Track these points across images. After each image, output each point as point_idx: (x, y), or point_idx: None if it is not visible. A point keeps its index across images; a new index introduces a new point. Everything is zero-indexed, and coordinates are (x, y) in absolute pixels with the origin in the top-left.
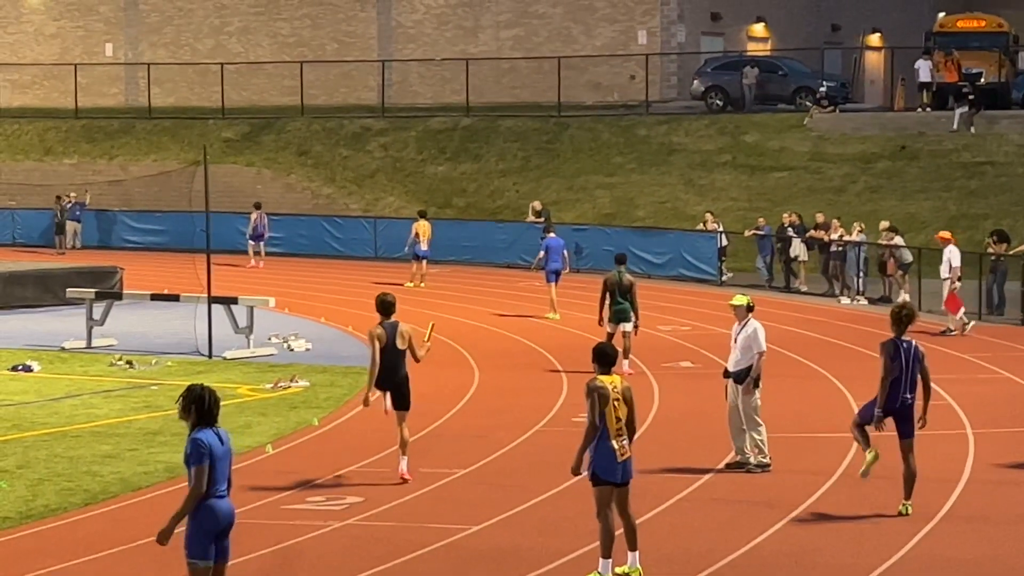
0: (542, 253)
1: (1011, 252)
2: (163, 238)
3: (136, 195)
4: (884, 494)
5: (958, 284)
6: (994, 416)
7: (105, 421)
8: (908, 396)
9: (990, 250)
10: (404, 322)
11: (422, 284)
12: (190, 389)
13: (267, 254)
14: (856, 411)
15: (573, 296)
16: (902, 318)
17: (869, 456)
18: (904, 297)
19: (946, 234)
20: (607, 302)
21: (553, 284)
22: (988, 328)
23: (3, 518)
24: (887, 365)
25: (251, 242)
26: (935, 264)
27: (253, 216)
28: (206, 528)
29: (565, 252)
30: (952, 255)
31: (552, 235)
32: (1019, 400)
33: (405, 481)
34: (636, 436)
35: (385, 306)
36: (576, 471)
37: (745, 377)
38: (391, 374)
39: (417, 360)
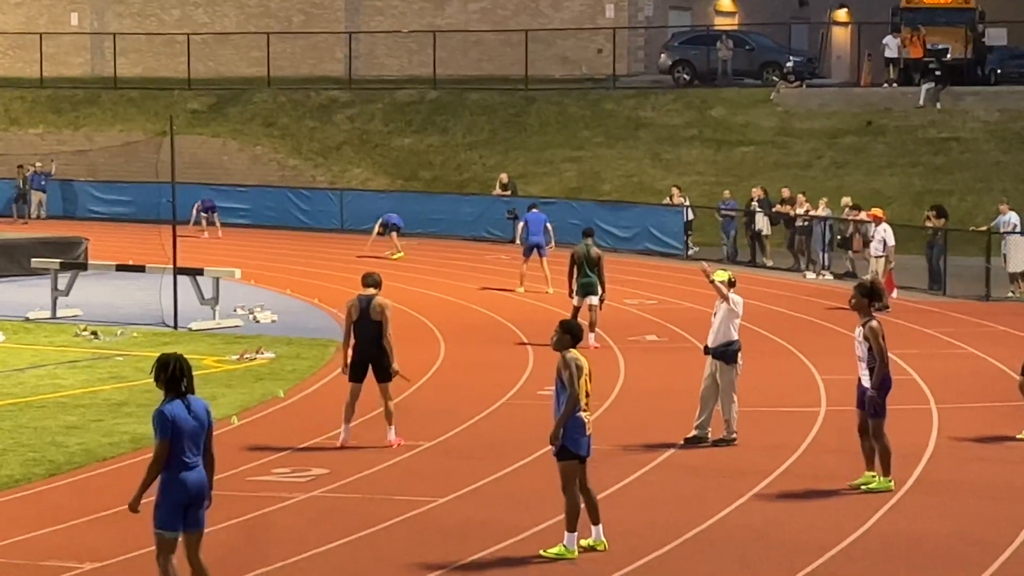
0: (521, 225)
1: (982, 229)
2: (129, 209)
3: (101, 165)
4: (849, 468)
5: (893, 263)
6: (958, 391)
7: (70, 392)
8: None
9: (928, 224)
10: (384, 297)
11: (400, 254)
12: (159, 357)
13: (232, 225)
14: (873, 411)
15: (539, 269)
16: (875, 292)
17: (865, 477)
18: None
19: (879, 211)
20: (575, 275)
21: (527, 259)
22: (951, 303)
23: None
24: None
25: (203, 214)
26: (902, 240)
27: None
28: (173, 500)
29: (548, 225)
30: (887, 233)
31: (536, 210)
32: (983, 375)
33: (394, 446)
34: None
35: (365, 278)
36: (555, 439)
37: (724, 352)
38: (366, 346)
39: (384, 338)
